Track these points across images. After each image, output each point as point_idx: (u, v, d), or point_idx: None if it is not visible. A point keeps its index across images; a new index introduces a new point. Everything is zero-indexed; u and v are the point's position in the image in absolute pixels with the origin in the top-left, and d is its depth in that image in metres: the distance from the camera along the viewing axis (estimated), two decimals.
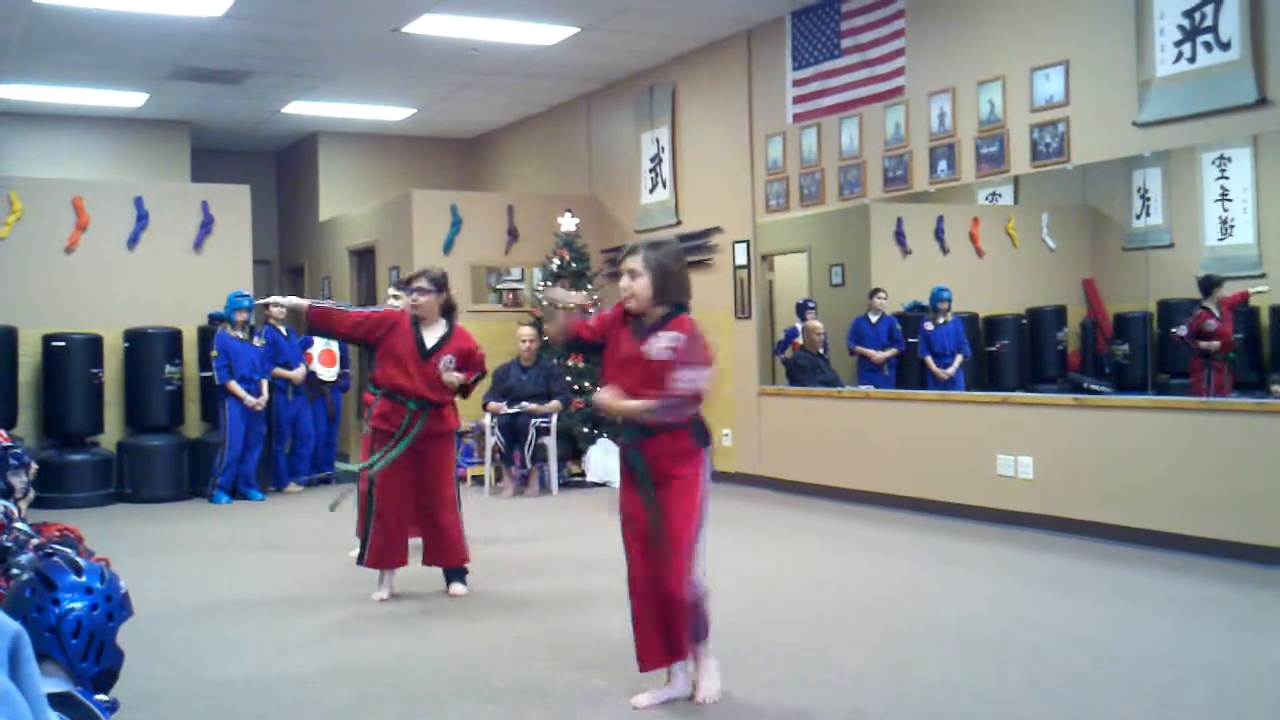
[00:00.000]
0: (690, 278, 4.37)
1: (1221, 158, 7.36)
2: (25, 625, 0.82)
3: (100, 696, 3.45)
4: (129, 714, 4.09)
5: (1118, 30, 7.43)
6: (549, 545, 7.95)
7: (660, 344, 4.13)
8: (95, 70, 11.41)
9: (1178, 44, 7.05)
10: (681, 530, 4.13)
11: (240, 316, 10.42)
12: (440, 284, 6.34)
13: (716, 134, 11.05)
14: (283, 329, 10.99)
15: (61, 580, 3.07)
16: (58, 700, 2.69)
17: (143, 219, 11.23)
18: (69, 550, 4.12)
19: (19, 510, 5.11)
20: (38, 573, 3.07)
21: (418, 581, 6.59)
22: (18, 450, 5.32)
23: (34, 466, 5.91)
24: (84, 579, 3.10)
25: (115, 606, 3.12)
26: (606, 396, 4.20)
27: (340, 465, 11.35)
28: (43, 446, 10.35)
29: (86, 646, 3.05)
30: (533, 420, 10.34)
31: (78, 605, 3.05)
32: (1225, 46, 6.81)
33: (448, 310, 6.40)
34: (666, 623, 4.26)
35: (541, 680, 4.70)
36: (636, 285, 4.22)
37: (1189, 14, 6.99)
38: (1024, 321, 9.33)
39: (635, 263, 4.23)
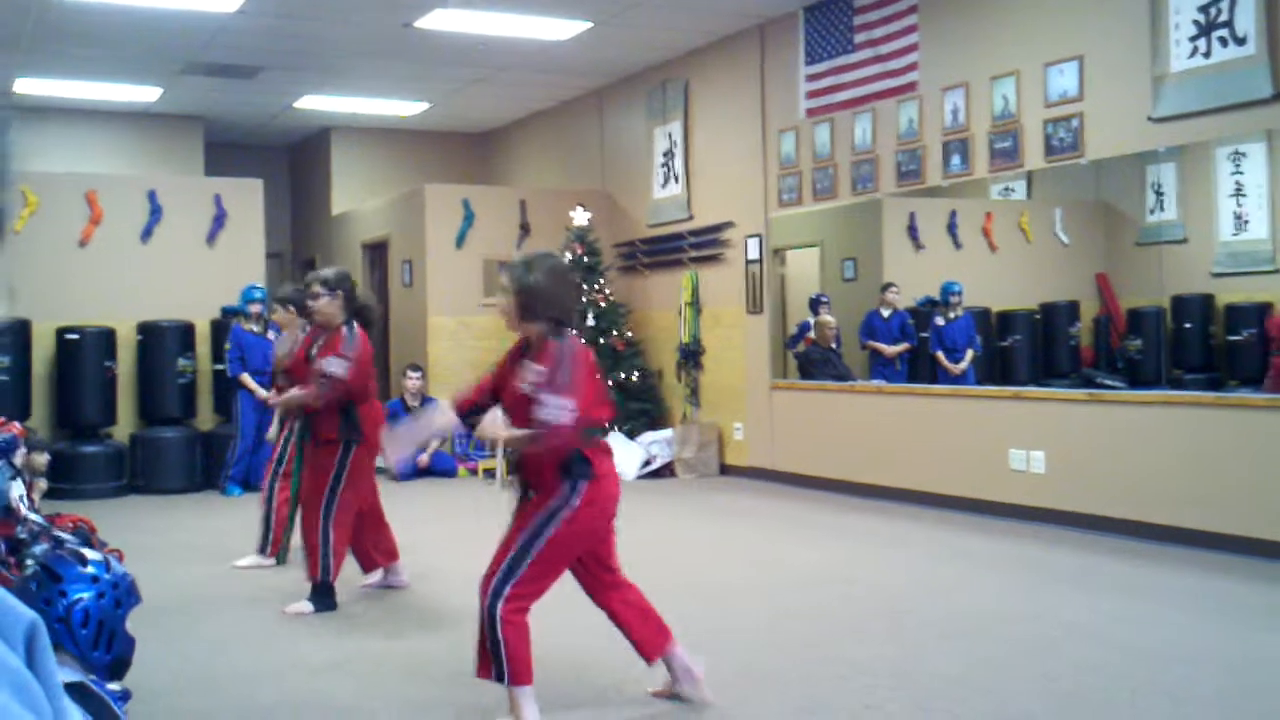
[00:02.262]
0: (571, 294, 4.09)
1: (1236, 153, 7.32)
2: None
3: (113, 686, 3.46)
4: (140, 704, 4.11)
5: (1132, 25, 7.40)
6: None
7: (528, 376, 3.98)
8: (109, 65, 11.43)
9: (1193, 39, 7.02)
10: (507, 546, 3.99)
11: (254, 309, 10.45)
12: (332, 284, 6.01)
13: (729, 129, 11.04)
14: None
15: (66, 572, 3.08)
16: (70, 690, 2.70)
17: (156, 213, 11.26)
18: (75, 541, 4.14)
19: (33, 500, 5.14)
20: (42, 566, 3.08)
21: (427, 578, 6.60)
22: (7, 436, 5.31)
23: (47, 457, 5.94)
24: (89, 569, 3.11)
25: (122, 594, 3.13)
26: (488, 424, 4.11)
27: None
28: (56, 438, 10.39)
29: (97, 635, 3.06)
30: None
31: (85, 595, 3.06)
32: (1241, 41, 6.78)
33: (358, 312, 6.07)
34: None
35: (552, 672, 4.70)
36: (504, 303, 4.10)
37: (1204, 9, 6.96)
38: (1036, 317, 9.30)
39: (505, 280, 4.10)
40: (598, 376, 4.15)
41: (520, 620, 3.96)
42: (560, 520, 3.95)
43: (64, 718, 0.69)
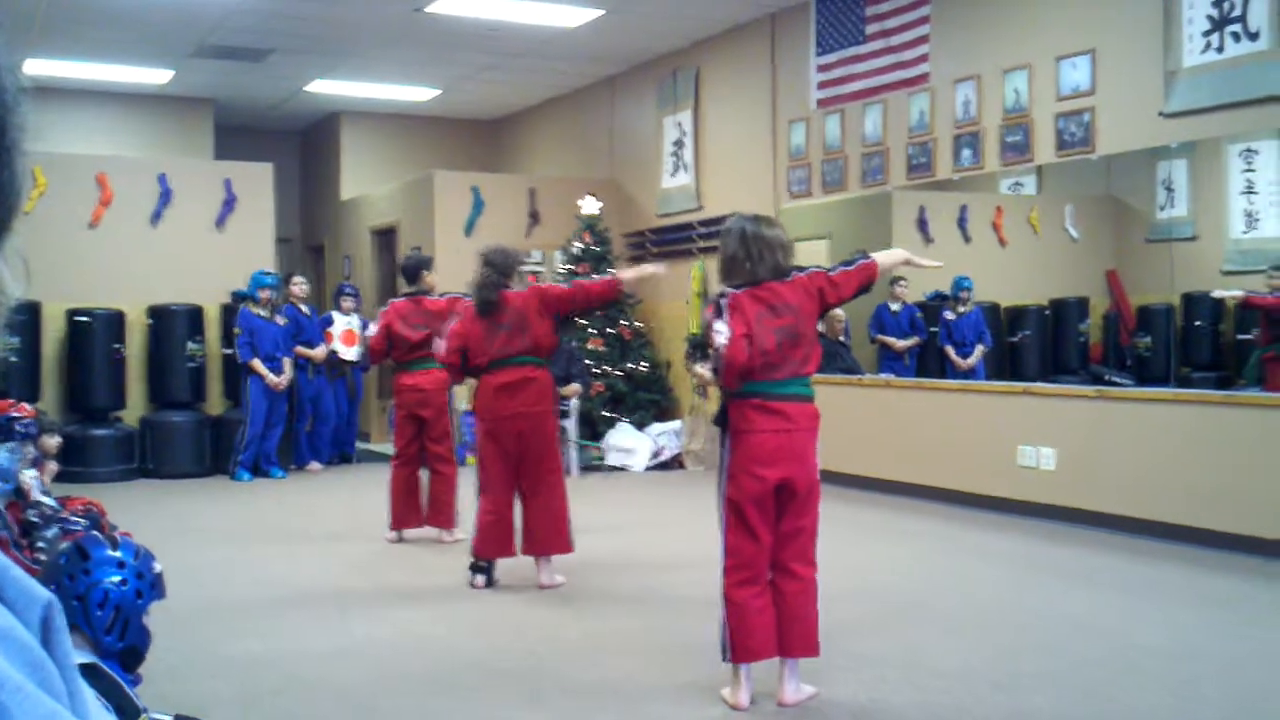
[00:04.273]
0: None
1: (1248, 150, 7.30)
2: (55, 592, 0.83)
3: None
4: (149, 686, 4.12)
5: (1145, 19, 7.38)
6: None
7: None
8: (120, 46, 11.44)
9: (1206, 34, 7.00)
10: None
11: (263, 294, 10.46)
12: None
13: (739, 119, 11.02)
14: (304, 308, 11.02)
15: (95, 552, 3.11)
16: (83, 671, 2.70)
17: (166, 195, 11.27)
18: (85, 524, 4.16)
19: (44, 482, 5.16)
20: (76, 543, 3.12)
21: (436, 568, 6.62)
22: (25, 420, 5.33)
23: (58, 439, 5.96)
24: (118, 553, 3.14)
25: (145, 585, 3.15)
26: None
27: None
28: (66, 421, 10.42)
29: (112, 620, 3.08)
30: None
31: (107, 578, 3.08)
32: (1254, 37, 6.76)
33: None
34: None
35: (556, 663, 4.72)
36: None
37: (1217, 4, 6.94)
38: (1046, 312, 9.29)
39: None
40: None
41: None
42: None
43: (78, 697, 0.70)
